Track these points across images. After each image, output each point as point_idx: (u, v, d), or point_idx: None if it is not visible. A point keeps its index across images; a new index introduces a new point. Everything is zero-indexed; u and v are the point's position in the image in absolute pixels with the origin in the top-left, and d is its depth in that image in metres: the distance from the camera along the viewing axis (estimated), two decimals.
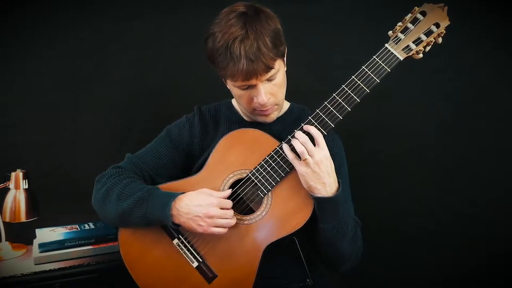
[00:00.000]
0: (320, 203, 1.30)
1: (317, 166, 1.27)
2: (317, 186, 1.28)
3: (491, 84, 2.01)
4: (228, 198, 1.37)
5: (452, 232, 2.08)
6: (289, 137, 1.33)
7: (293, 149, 1.30)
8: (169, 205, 1.32)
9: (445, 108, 2.05)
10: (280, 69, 1.35)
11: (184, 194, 1.34)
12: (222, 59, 1.29)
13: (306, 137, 1.28)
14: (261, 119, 1.43)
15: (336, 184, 1.32)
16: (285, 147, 1.31)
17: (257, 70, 1.27)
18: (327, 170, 1.29)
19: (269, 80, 1.33)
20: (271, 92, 1.35)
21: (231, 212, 1.33)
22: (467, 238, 2.05)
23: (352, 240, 1.38)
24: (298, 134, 1.29)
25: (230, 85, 1.39)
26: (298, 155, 1.29)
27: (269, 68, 1.29)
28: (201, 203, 1.31)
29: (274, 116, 1.43)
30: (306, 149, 1.27)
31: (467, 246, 2.06)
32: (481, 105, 2.03)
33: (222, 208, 1.32)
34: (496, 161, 2.04)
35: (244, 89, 1.35)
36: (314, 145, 1.28)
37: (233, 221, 1.33)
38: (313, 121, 1.31)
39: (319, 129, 1.30)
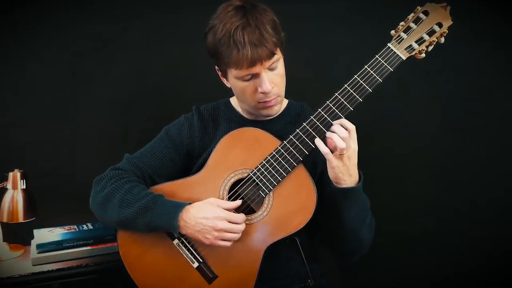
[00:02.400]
0: (345, 193, 1.30)
1: (349, 159, 1.27)
2: (344, 178, 1.29)
3: (492, 84, 2.02)
4: (229, 198, 1.37)
5: (452, 232, 2.08)
6: (291, 136, 1.32)
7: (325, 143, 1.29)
8: (176, 217, 1.30)
9: (445, 108, 2.06)
10: (280, 58, 1.36)
11: (191, 205, 1.33)
12: (225, 48, 1.30)
13: (347, 132, 1.25)
14: (265, 112, 1.42)
15: (358, 174, 1.32)
16: (318, 141, 1.28)
17: (261, 55, 1.28)
18: (355, 162, 1.29)
19: (271, 69, 1.34)
20: (274, 82, 1.36)
21: (240, 227, 1.31)
22: (467, 238, 2.06)
23: (369, 226, 1.39)
24: (337, 128, 1.26)
25: (232, 78, 1.38)
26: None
27: (272, 53, 1.30)
28: (208, 215, 1.29)
29: (277, 108, 1.43)
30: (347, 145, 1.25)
31: (467, 246, 2.06)
32: (482, 104, 2.03)
33: (230, 222, 1.30)
34: (496, 161, 2.05)
35: (247, 80, 1.35)
36: None
37: (239, 235, 1.32)
38: (314, 120, 1.31)
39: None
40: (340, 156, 1.26)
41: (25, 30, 1.95)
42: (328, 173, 1.30)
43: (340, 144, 1.24)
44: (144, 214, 1.33)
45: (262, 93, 1.35)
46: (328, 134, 1.28)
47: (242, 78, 1.35)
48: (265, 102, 1.38)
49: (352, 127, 1.27)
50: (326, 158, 1.28)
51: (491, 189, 2.04)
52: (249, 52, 1.27)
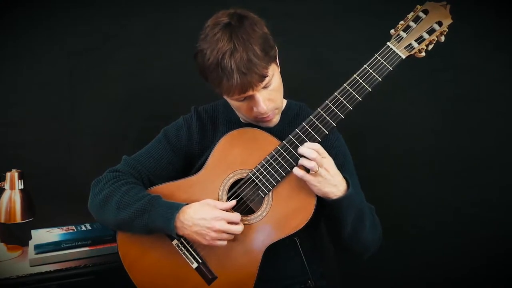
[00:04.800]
0: (336, 204, 1.30)
1: (327, 172, 1.27)
2: (331, 190, 1.28)
3: (492, 84, 2.01)
4: (228, 198, 1.36)
5: (452, 232, 2.08)
6: (290, 136, 1.32)
7: (300, 166, 1.29)
8: (173, 218, 1.30)
9: (445, 107, 2.05)
10: (274, 73, 1.33)
11: (188, 205, 1.32)
12: (214, 76, 1.27)
13: (315, 153, 1.26)
14: (263, 125, 1.41)
15: (344, 180, 1.32)
16: (295, 169, 1.29)
17: (251, 81, 1.25)
18: (335, 172, 1.29)
19: (265, 87, 1.31)
20: (269, 98, 1.33)
21: (238, 227, 1.31)
22: (467, 238, 2.06)
23: (372, 227, 1.38)
24: (304, 150, 1.27)
25: (226, 97, 1.38)
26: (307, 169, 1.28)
27: (263, 77, 1.27)
28: (205, 216, 1.29)
29: (276, 120, 1.41)
30: (317, 163, 1.26)
31: (467, 246, 2.06)
32: (482, 104, 2.03)
33: (228, 222, 1.30)
34: (496, 160, 2.04)
35: (241, 101, 1.34)
36: None
37: (238, 231, 1.32)
38: (314, 119, 1.30)
39: (315, 138, 1.30)
40: (316, 174, 1.26)
41: (23, 30, 1.94)
42: (315, 192, 1.30)
43: (307, 164, 1.26)
44: (141, 216, 1.32)
45: (258, 112, 1.34)
46: (300, 160, 1.28)
47: (236, 100, 1.34)
48: (262, 117, 1.37)
49: (317, 147, 1.27)
50: (305, 180, 1.28)
51: (491, 189, 2.04)
52: (238, 80, 1.24)
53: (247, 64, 1.23)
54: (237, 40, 1.24)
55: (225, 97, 1.37)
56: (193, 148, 1.48)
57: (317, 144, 1.28)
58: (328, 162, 1.28)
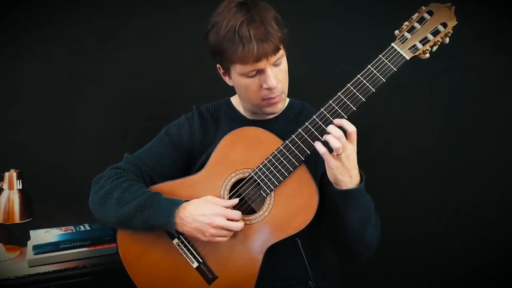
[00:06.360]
0: (345, 195, 1.28)
1: (347, 160, 1.25)
2: (344, 179, 1.27)
3: (493, 84, 2.03)
4: (230, 198, 1.36)
5: (452, 232, 2.08)
6: (293, 136, 1.31)
7: (324, 143, 1.27)
8: (172, 214, 1.29)
9: (447, 107, 2.06)
10: (284, 55, 1.36)
11: (188, 202, 1.32)
12: (230, 44, 1.29)
13: (341, 132, 1.24)
14: (269, 109, 1.41)
15: (359, 175, 1.30)
16: (318, 144, 1.27)
17: (267, 50, 1.28)
18: (355, 163, 1.27)
19: (276, 65, 1.34)
20: (279, 77, 1.35)
21: (238, 224, 1.30)
22: (467, 238, 2.06)
23: (375, 226, 1.37)
24: (332, 128, 1.25)
25: (236, 76, 1.37)
26: (329, 149, 1.25)
27: (278, 48, 1.31)
28: (205, 212, 1.29)
29: (281, 106, 1.42)
30: (342, 145, 1.24)
31: (467, 246, 2.06)
32: (483, 104, 2.04)
33: (228, 219, 1.29)
34: (497, 160, 2.05)
35: (252, 76, 1.34)
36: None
37: (238, 228, 1.31)
38: (317, 120, 1.30)
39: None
40: (338, 157, 1.24)
41: (23, 30, 1.94)
42: (328, 175, 1.28)
43: (334, 143, 1.23)
44: (141, 212, 1.32)
45: (267, 89, 1.34)
46: (324, 136, 1.26)
47: (246, 75, 1.34)
48: (269, 98, 1.37)
49: (353, 129, 1.25)
50: (324, 158, 1.26)
51: (491, 189, 2.04)
52: (255, 47, 1.26)
53: (264, 32, 1.27)
54: (254, 13, 1.29)
55: (234, 72, 1.36)
56: (195, 146, 1.48)
57: (353, 126, 1.25)
58: (352, 150, 1.25)
